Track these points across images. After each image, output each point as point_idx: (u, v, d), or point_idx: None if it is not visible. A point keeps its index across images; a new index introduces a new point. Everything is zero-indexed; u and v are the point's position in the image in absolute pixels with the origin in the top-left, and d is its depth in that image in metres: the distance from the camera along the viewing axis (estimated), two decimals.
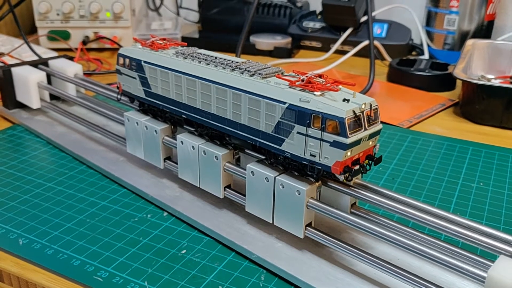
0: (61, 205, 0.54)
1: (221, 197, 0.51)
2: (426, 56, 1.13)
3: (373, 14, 1.19)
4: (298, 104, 0.41)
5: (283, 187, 0.44)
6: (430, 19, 1.16)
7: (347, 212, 0.44)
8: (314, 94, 0.41)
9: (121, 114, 0.61)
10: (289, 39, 1.22)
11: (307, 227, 0.44)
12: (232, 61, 0.49)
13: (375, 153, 0.44)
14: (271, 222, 0.46)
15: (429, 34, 1.16)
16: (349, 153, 0.40)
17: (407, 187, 0.59)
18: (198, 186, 0.52)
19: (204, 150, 0.50)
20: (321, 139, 0.41)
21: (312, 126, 0.41)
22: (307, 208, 0.43)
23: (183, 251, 0.47)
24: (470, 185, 0.60)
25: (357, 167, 0.42)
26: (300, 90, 0.43)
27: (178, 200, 0.54)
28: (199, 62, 0.51)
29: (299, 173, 0.45)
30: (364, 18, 1.18)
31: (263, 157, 0.48)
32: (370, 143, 0.43)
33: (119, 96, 0.62)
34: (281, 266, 0.44)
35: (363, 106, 0.41)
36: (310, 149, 0.42)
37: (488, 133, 0.77)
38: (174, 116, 0.55)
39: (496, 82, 0.81)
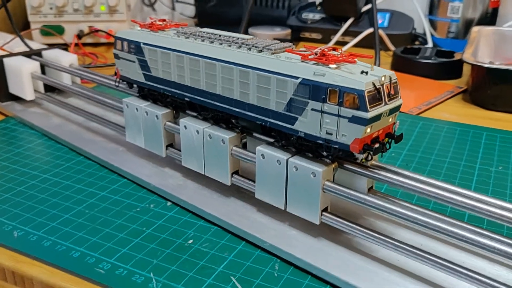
0: (57, 196, 0.51)
1: (229, 184, 0.47)
2: (430, 44, 1.10)
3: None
4: (312, 78, 0.38)
5: (296, 170, 0.41)
6: (433, 8, 1.13)
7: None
8: (329, 67, 0.38)
9: (120, 102, 0.57)
10: (288, 31, 1.19)
11: (323, 213, 0.41)
12: (238, 38, 0.46)
13: (394, 130, 0.41)
14: (283, 208, 0.43)
15: (432, 23, 1.13)
16: (368, 130, 0.37)
17: (423, 173, 0.56)
18: (203, 173, 0.49)
19: (209, 134, 0.47)
20: (339, 115, 0.38)
21: (328, 102, 0.38)
22: (323, 191, 0.40)
23: (190, 241, 0.44)
24: (489, 169, 0.57)
25: (376, 145, 0.39)
26: (313, 64, 0.40)
27: (182, 189, 0.51)
28: (202, 40, 0.48)
29: (313, 154, 0.42)
30: (365, 8, 1.15)
31: (273, 140, 0.45)
32: (390, 119, 0.40)
33: (116, 83, 0.59)
34: (296, 254, 0.41)
35: (382, 78, 0.38)
36: (326, 126, 0.39)
37: (501, 119, 0.74)
38: (176, 100, 0.52)
39: (509, 67, 0.78)
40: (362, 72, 0.38)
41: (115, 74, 0.58)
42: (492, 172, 0.57)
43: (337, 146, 0.39)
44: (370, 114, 0.36)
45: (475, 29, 0.97)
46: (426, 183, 0.39)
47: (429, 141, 0.65)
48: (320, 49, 0.40)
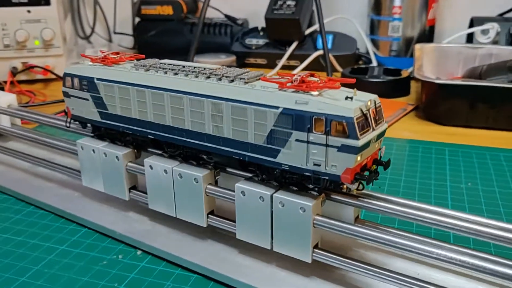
0: (10, 256, 0.45)
1: (205, 225, 0.44)
2: (374, 63, 1.12)
3: (316, 26, 1.17)
4: (294, 107, 0.36)
5: (283, 206, 0.38)
6: (373, 28, 1.16)
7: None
8: (311, 94, 0.36)
9: (72, 143, 0.52)
10: (233, 58, 1.17)
11: (314, 249, 0.38)
12: (205, 68, 0.43)
13: (381, 156, 0.39)
14: (269, 248, 0.40)
15: (374, 42, 1.15)
16: (359, 158, 0.35)
17: (397, 194, 0.55)
18: (175, 216, 0.45)
19: (179, 173, 0.43)
20: (327, 145, 0.35)
21: (313, 131, 0.35)
22: (314, 226, 0.38)
23: None
24: (459, 186, 0.57)
25: (366, 173, 0.37)
26: (293, 91, 0.37)
27: (151, 235, 0.46)
28: (165, 72, 0.44)
29: (297, 187, 0.39)
30: (308, 31, 1.16)
31: (250, 175, 0.42)
32: (377, 145, 0.38)
33: (67, 123, 0.54)
34: None
35: (368, 103, 0.36)
36: (313, 157, 0.36)
37: (456, 133, 0.75)
38: (137, 138, 0.47)
39: (458, 81, 0.80)
40: (346, 98, 0.36)
41: (65, 113, 0.53)
42: (463, 189, 0.57)
43: (326, 178, 0.36)
44: (361, 142, 0.34)
45: (417, 46, 0.99)
46: (420, 209, 0.37)
47: (395, 161, 0.64)
48: (299, 75, 0.37)
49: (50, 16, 1.03)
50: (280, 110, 0.37)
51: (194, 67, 0.43)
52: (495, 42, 1.05)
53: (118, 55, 0.50)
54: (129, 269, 0.42)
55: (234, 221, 0.42)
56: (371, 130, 0.36)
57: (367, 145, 0.35)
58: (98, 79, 0.47)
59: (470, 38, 1.11)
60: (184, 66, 0.44)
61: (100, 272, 0.42)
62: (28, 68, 1.02)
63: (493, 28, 1.04)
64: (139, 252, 0.45)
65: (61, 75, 0.52)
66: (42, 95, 0.96)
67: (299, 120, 0.36)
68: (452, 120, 0.79)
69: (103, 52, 0.51)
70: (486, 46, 1.01)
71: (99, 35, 1.40)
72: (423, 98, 0.83)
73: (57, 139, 0.56)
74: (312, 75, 0.38)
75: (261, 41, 1.20)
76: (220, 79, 0.41)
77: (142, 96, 0.44)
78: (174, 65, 0.45)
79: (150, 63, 0.46)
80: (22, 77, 1.04)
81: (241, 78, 0.40)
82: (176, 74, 0.44)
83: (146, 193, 0.47)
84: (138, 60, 0.50)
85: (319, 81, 0.37)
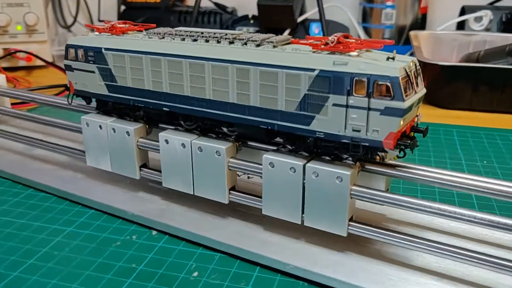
0: (14, 239, 0.41)
1: (226, 202, 0.41)
2: None
3: (307, 14, 1.16)
4: (332, 69, 0.34)
5: (317, 176, 0.36)
6: (366, 16, 1.15)
7: None
8: (350, 55, 0.34)
9: (76, 120, 0.49)
10: None
11: (349, 222, 0.36)
12: (226, 34, 0.40)
13: (417, 123, 0.37)
14: (299, 223, 0.38)
15: (367, 30, 1.14)
16: (402, 122, 0.33)
17: None
18: (192, 193, 0.42)
19: (199, 147, 0.41)
20: (368, 108, 0.33)
21: (354, 94, 0.33)
22: (351, 197, 0.35)
23: (195, 274, 0.36)
24: (476, 164, 0.56)
25: (408, 140, 0.35)
26: (328, 53, 0.35)
27: (167, 214, 0.43)
28: (183, 39, 0.41)
29: (330, 157, 0.37)
30: (300, 19, 1.14)
31: (274, 147, 0.39)
32: (416, 110, 0.36)
33: (70, 99, 0.50)
34: (329, 274, 0.35)
35: (411, 64, 0.34)
36: (352, 123, 0.34)
37: (460, 116, 0.74)
38: (150, 112, 0.44)
39: (462, 64, 0.79)
40: (388, 59, 0.34)
41: (67, 88, 0.49)
42: (480, 167, 0.55)
43: (367, 144, 0.34)
44: (407, 103, 0.32)
45: (412, 33, 0.98)
46: (459, 177, 0.35)
47: None
48: (336, 36, 0.35)
49: (34, 0, 0.98)
50: (316, 72, 0.34)
51: (215, 33, 0.41)
52: (487, 29, 1.05)
53: (126, 25, 0.47)
54: (146, 250, 0.39)
55: (258, 196, 0.40)
56: (413, 92, 0.34)
57: (410, 108, 0.33)
58: (106, 49, 0.44)
59: (460, 26, 1.11)
60: (202, 33, 0.41)
61: (115, 253, 0.39)
62: (11, 53, 0.97)
63: (486, 15, 1.04)
64: (154, 233, 0.42)
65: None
66: (26, 81, 0.91)
67: (338, 83, 0.33)
68: (455, 104, 0.78)
69: (107, 23, 0.47)
70: (480, 33, 1.01)
71: (81, 24, 1.35)
72: (425, 82, 0.82)
73: (56, 119, 0.52)
74: (347, 37, 0.36)
75: (252, 29, 1.17)
76: (245, 44, 0.38)
77: (157, 65, 0.41)
78: (191, 31, 0.42)
79: (164, 31, 0.43)
80: (3, 64, 0.99)
81: (269, 42, 0.37)
82: (195, 40, 0.41)
83: (158, 170, 0.45)
84: (148, 29, 0.47)
85: (357, 42, 0.35)
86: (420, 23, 1.13)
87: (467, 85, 0.76)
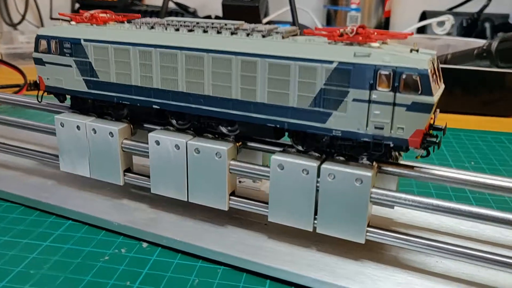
0: None
1: (226, 208, 0.37)
2: None
3: (271, 16, 1.13)
4: (353, 61, 0.31)
5: (333, 178, 0.33)
6: (330, 18, 1.14)
7: None
8: (371, 46, 0.31)
9: (38, 119, 0.44)
10: None
11: (368, 228, 0.33)
12: (226, 24, 0.37)
13: (434, 121, 0.35)
14: (311, 230, 0.35)
15: None
16: (429, 119, 0.31)
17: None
18: (186, 200, 0.38)
19: (196, 148, 0.37)
20: (394, 103, 0.30)
21: (377, 88, 0.30)
22: (371, 201, 0.33)
23: None
24: (464, 165, 0.55)
25: (432, 138, 0.32)
26: (346, 44, 0.32)
27: (158, 224, 0.39)
28: (176, 29, 0.37)
29: (344, 157, 0.34)
30: (265, 20, 1.11)
31: (278, 148, 0.36)
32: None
33: (39, 97, 0.45)
34: (349, 286, 0.32)
35: (435, 57, 0.32)
36: (374, 120, 0.31)
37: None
38: (136, 110, 0.40)
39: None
40: (411, 51, 0.31)
41: (36, 85, 0.44)
42: (469, 168, 0.54)
43: (390, 143, 0.31)
44: (435, 98, 0.30)
45: None
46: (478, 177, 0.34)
47: None
48: (354, 25, 0.32)
49: None
50: (334, 65, 0.31)
51: (213, 23, 0.37)
52: (449, 33, 1.07)
53: (108, 14, 0.42)
54: (139, 264, 0.35)
55: (262, 202, 0.36)
56: (438, 87, 0.32)
57: (434, 104, 0.31)
58: (86, 40, 0.40)
59: (420, 30, 1.12)
60: (198, 23, 0.38)
61: (105, 269, 0.34)
62: None
63: (449, 20, 1.05)
64: (145, 245, 0.38)
65: None
66: None
67: (359, 76, 0.31)
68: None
69: (83, 12, 0.43)
70: (443, 37, 1.02)
71: (29, 22, 1.27)
72: None
73: (22, 118, 0.47)
74: (363, 27, 0.33)
75: None
76: (249, 34, 0.35)
77: (146, 58, 0.37)
78: (186, 21, 0.38)
79: (154, 21, 0.39)
80: None
81: (277, 32, 0.34)
82: (191, 31, 0.37)
83: (145, 175, 0.40)
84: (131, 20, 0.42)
85: (376, 34, 0.32)
86: (384, 26, 1.13)
87: None
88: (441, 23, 1.07)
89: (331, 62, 0.31)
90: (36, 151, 0.46)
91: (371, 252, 0.35)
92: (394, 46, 0.32)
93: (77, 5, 1.17)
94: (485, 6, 1.06)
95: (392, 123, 0.31)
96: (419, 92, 0.30)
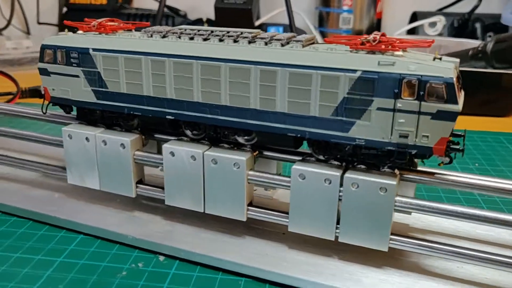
0: None
1: (244, 219, 0.37)
2: None
3: (263, 19, 1.13)
4: (377, 70, 0.30)
5: (357, 188, 0.32)
6: (322, 20, 1.14)
7: None
8: (394, 55, 0.31)
9: (40, 131, 0.43)
10: None
11: (391, 236, 0.33)
12: (242, 32, 0.36)
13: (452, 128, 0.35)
14: (333, 239, 0.34)
15: (324, 35, 1.14)
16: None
17: None
18: (202, 211, 0.38)
19: (214, 159, 0.36)
20: (419, 112, 0.30)
21: (402, 97, 0.30)
22: (395, 209, 0.32)
23: None
24: (469, 167, 0.55)
25: (456, 145, 0.32)
26: (368, 53, 0.32)
27: (174, 236, 0.38)
28: (191, 38, 0.37)
29: (366, 166, 0.34)
30: (258, 22, 1.11)
31: (296, 158, 0.36)
32: None
33: (45, 109, 0.43)
34: None
35: (457, 65, 0.32)
36: (399, 128, 0.31)
37: None
38: (148, 120, 0.39)
39: None
40: (434, 59, 0.31)
41: (41, 96, 0.43)
42: (474, 170, 0.55)
43: (414, 151, 0.31)
44: (460, 106, 0.30)
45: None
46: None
47: None
48: (376, 34, 0.32)
49: None
50: (358, 74, 0.31)
51: (228, 32, 0.36)
52: (440, 34, 1.08)
53: (116, 23, 0.41)
54: (159, 279, 0.34)
55: (279, 211, 0.36)
56: (460, 95, 0.32)
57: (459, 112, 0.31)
58: (95, 49, 0.39)
59: (411, 31, 1.13)
60: (212, 32, 0.37)
61: (124, 286, 0.33)
62: None
63: (440, 21, 1.06)
64: (162, 258, 0.37)
65: None
66: None
67: (384, 84, 0.30)
68: None
69: (89, 21, 0.42)
70: (436, 38, 1.03)
71: (15, 27, 1.25)
72: None
73: (26, 131, 0.46)
74: (384, 35, 0.33)
75: None
76: (269, 43, 0.34)
77: (159, 68, 0.37)
78: (200, 29, 0.37)
79: (166, 29, 0.38)
80: None
81: (297, 41, 0.34)
82: (206, 39, 0.36)
83: (158, 187, 0.40)
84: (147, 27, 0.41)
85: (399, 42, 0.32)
86: (376, 27, 1.14)
87: None
88: (432, 24, 1.08)
89: (354, 71, 0.31)
90: (41, 163, 0.45)
91: (391, 259, 0.35)
92: (415, 54, 0.32)
93: (64, 9, 1.15)
94: (476, 7, 1.07)
95: (417, 132, 0.31)
96: (445, 101, 0.29)
